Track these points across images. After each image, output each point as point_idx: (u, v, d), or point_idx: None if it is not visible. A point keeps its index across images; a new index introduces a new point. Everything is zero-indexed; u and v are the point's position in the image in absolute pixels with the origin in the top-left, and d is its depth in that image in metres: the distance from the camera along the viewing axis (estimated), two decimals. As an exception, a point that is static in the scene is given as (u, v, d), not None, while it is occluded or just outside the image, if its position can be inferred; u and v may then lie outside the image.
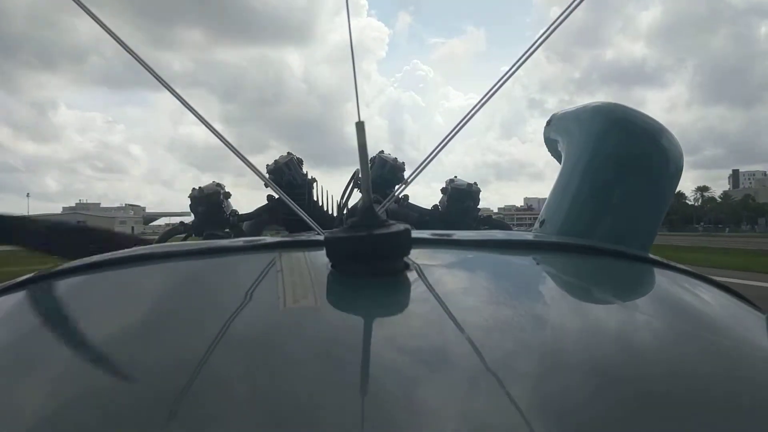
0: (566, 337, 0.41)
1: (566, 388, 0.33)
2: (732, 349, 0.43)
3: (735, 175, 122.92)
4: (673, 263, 0.64)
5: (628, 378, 0.35)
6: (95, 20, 0.55)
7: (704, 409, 0.33)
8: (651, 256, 0.67)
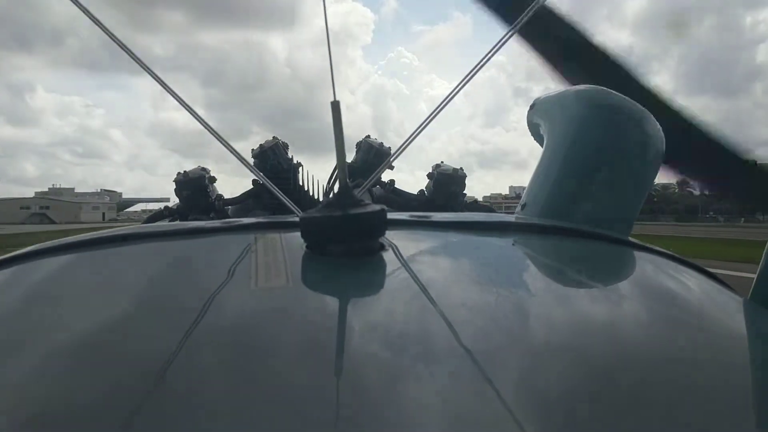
0: (544, 318, 0.41)
1: (544, 371, 0.33)
2: (708, 332, 0.44)
3: None
4: (652, 246, 0.64)
5: (606, 359, 0.36)
6: (72, 1, 0.54)
7: (679, 391, 0.33)
8: (630, 239, 0.67)
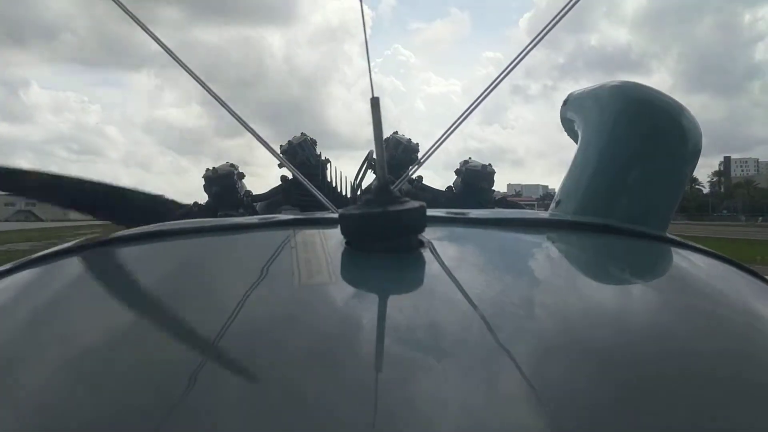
0: (581, 316, 0.41)
1: (582, 367, 0.33)
2: (749, 330, 0.43)
3: (726, 163, 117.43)
4: (691, 243, 0.63)
5: (651, 360, 0.35)
6: None
7: (720, 389, 0.33)
8: (669, 235, 0.66)
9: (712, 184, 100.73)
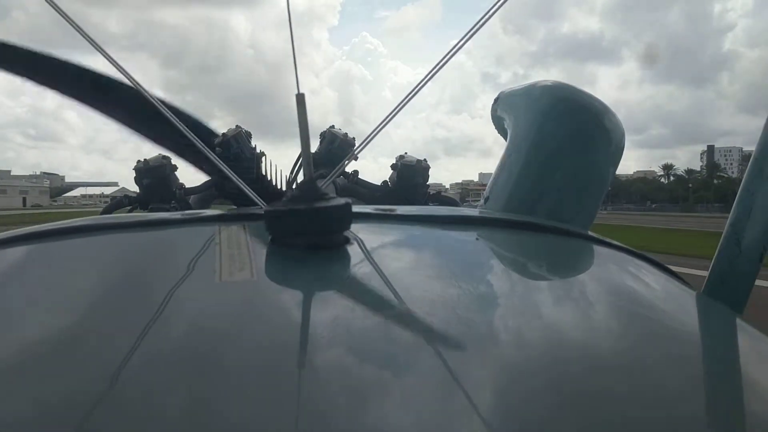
0: (502, 311, 0.42)
1: (503, 363, 0.34)
2: (658, 325, 0.45)
3: (710, 151, 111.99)
4: (610, 240, 0.66)
5: (558, 352, 0.37)
6: None
7: (632, 382, 0.34)
8: (590, 233, 0.69)
9: (688, 172, 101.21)
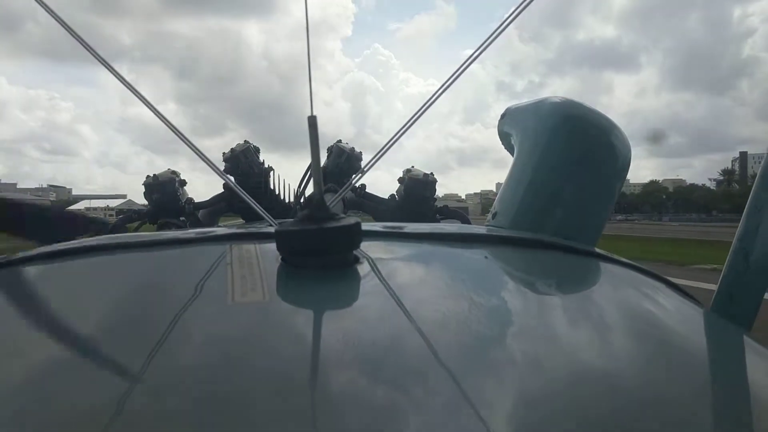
0: (512, 330, 0.43)
1: (515, 381, 0.34)
2: (666, 342, 0.45)
3: (743, 158, 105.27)
4: (618, 258, 0.66)
5: (566, 369, 0.37)
6: None
7: (639, 400, 0.34)
8: (597, 250, 0.69)
9: (718, 182, 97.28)
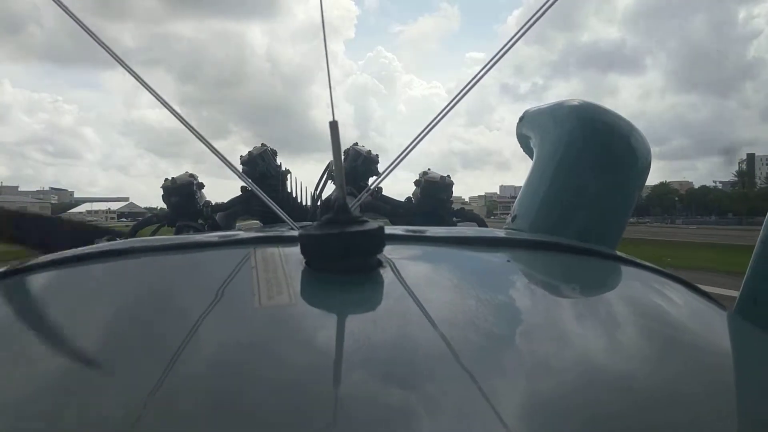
0: (535, 333, 0.43)
1: (543, 387, 0.34)
2: (692, 346, 0.45)
3: (750, 160, 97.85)
4: (639, 261, 0.66)
5: (592, 373, 0.37)
6: None
7: (665, 403, 0.35)
8: (619, 253, 0.69)
9: (732, 184, 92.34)
